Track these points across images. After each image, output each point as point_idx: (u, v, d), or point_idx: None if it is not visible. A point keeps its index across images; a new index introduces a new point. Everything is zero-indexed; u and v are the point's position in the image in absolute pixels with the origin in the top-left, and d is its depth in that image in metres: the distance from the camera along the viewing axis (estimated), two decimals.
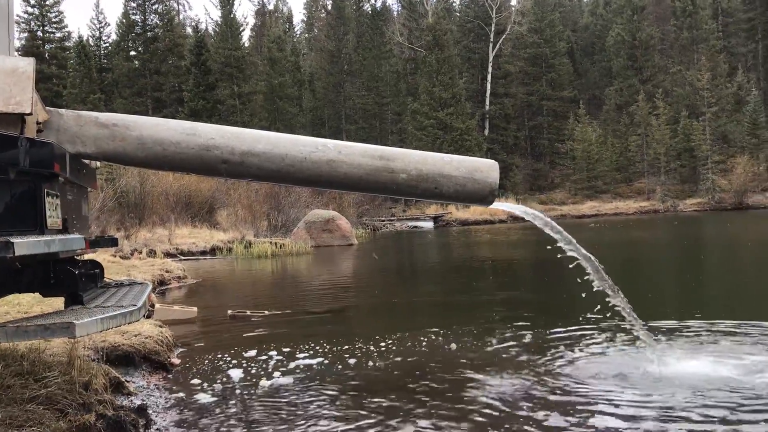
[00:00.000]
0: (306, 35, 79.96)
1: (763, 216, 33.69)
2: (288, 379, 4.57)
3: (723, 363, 4.46)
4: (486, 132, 57.74)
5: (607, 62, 61.38)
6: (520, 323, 6.48)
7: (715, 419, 3.42)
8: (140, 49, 58.70)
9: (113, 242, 4.48)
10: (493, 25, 60.53)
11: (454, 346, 5.54)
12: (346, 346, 5.62)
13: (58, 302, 4.51)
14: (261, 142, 3.80)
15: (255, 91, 53.96)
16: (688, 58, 57.86)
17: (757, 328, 5.60)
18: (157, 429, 3.62)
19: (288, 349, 5.58)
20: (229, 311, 7.74)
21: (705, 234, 23.15)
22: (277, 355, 5.39)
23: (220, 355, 5.47)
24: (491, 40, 60.28)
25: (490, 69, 59.44)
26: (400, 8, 70.67)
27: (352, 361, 5.11)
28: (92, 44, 59.99)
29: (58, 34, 59.76)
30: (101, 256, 11.62)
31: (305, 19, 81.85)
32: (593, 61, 65.66)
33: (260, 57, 58.02)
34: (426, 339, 5.85)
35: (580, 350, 5.19)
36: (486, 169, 4.17)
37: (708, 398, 3.74)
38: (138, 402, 4.00)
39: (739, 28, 61.44)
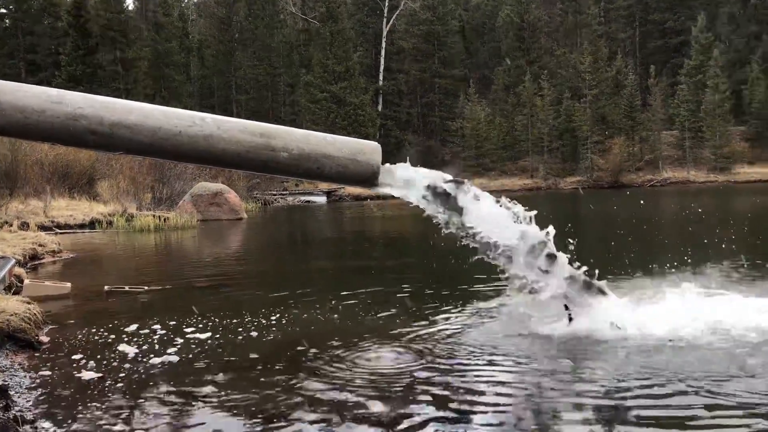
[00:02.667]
0: (194, 0, 77.00)
1: (635, 194, 35.89)
2: (171, 357, 4.45)
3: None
4: (379, 107, 58.01)
5: (497, 42, 62.99)
6: (407, 291, 6.65)
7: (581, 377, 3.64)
8: (11, 7, 54.57)
9: None
10: (387, 0, 60.64)
11: (336, 316, 5.60)
12: (235, 320, 5.53)
13: None
14: (133, 114, 3.65)
15: (139, 57, 51.48)
16: (572, 41, 60.41)
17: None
18: (19, 410, 3.45)
19: (172, 323, 5.43)
20: (106, 287, 7.45)
21: (582, 210, 24.43)
22: (161, 330, 5.24)
23: (94, 331, 5.26)
24: (385, 15, 60.38)
25: (383, 44, 59.61)
26: None
27: (242, 334, 5.04)
28: None
29: None
30: None
31: None
32: (484, 41, 67.17)
33: (145, 21, 55.39)
34: (313, 310, 5.86)
35: (464, 315, 5.39)
36: (369, 151, 4.21)
37: (586, 357, 3.97)
38: None
39: (619, 15, 64.62)
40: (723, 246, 7.46)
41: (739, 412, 3.07)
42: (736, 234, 10.06)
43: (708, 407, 3.14)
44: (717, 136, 49.59)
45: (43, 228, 16.13)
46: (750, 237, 10.90)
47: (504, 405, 3.32)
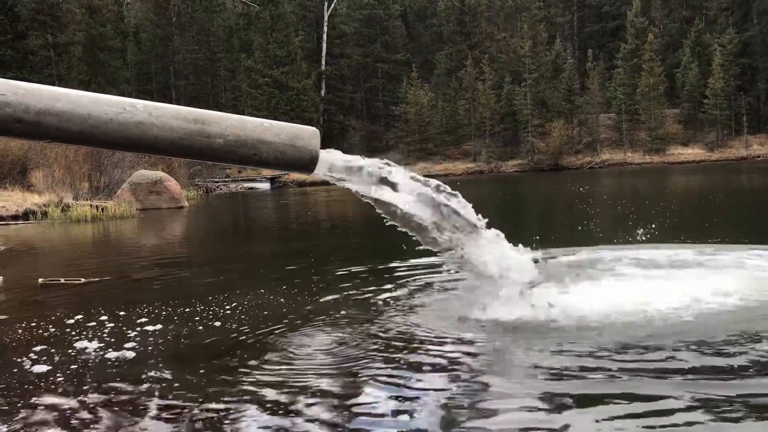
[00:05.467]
0: None
1: (574, 175, 36.68)
2: (111, 349, 4.33)
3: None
4: (322, 92, 57.63)
5: (438, 27, 63.25)
6: (352, 272, 6.65)
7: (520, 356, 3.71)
8: None
9: None
10: None
11: (282, 300, 5.55)
12: (187, 309, 5.39)
13: None
14: (61, 101, 3.52)
15: (72, 41, 49.75)
16: (512, 26, 61.07)
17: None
18: None
19: (111, 316, 5.26)
20: (40, 279, 7.22)
21: (524, 191, 24.87)
22: (101, 322, 5.05)
23: (30, 326, 5.07)
24: None
25: (325, 28, 59.13)
26: None
27: (183, 325, 4.90)
28: None
29: None
30: None
31: None
32: (426, 25, 67.35)
33: (78, 4, 53.49)
34: (261, 295, 5.78)
35: (411, 297, 5.42)
36: (307, 136, 4.16)
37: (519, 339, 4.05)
38: None
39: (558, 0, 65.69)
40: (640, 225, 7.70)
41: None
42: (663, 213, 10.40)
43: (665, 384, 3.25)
44: (652, 118, 51.04)
45: None
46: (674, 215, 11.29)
47: (449, 390, 3.36)
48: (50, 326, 5.07)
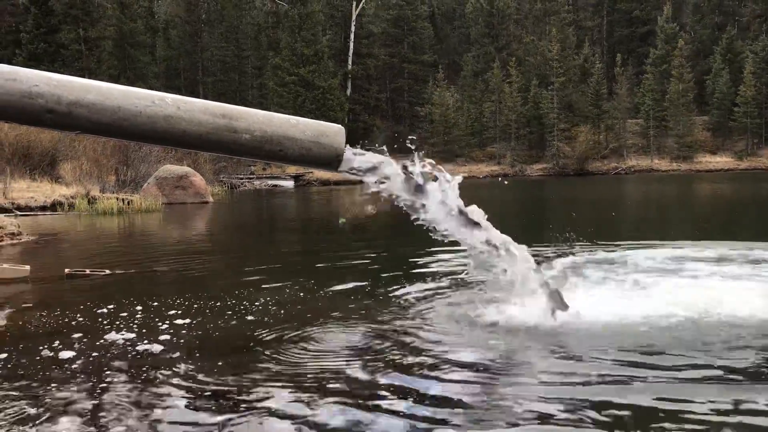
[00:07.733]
0: None
1: (600, 181, 36.36)
2: (140, 340, 4.38)
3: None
4: (348, 92, 57.75)
5: (466, 29, 63.09)
6: (375, 273, 6.64)
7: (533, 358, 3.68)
8: None
9: None
10: None
11: (302, 295, 5.56)
12: (218, 303, 5.38)
13: None
14: (91, 93, 3.57)
15: (103, 36, 50.46)
16: (541, 29, 60.74)
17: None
18: None
19: (137, 308, 5.31)
20: (67, 269, 7.31)
21: (546, 195, 24.70)
22: (133, 313, 5.09)
23: (55, 315, 5.14)
24: None
25: (353, 28, 59.27)
26: None
27: (231, 320, 4.92)
28: None
29: None
30: None
31: None
32: (453, 26, 67.23)
33: (109, 0, 54.24)
34: (290, 291, 5.79)
35: (430, 296, 5.41)
36: (332, 134, 4.18)
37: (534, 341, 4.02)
38: None
39: (587, 3, 65.20)
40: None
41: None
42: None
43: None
44: (680, 125, 50.45)
45: (2, 210, 15.84)
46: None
47: (457, 391, 3.35)
48: (77, 316, 5.13)
